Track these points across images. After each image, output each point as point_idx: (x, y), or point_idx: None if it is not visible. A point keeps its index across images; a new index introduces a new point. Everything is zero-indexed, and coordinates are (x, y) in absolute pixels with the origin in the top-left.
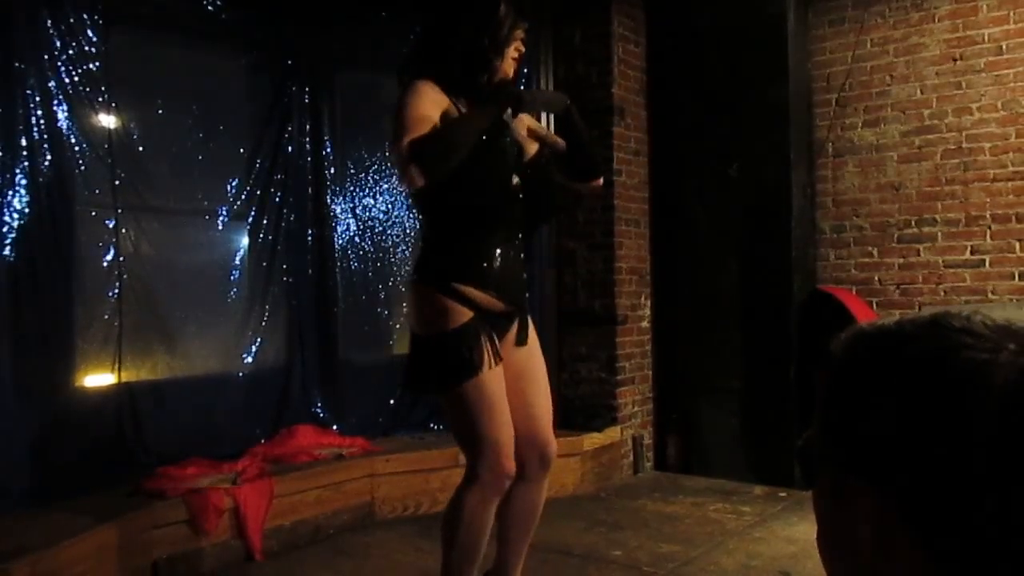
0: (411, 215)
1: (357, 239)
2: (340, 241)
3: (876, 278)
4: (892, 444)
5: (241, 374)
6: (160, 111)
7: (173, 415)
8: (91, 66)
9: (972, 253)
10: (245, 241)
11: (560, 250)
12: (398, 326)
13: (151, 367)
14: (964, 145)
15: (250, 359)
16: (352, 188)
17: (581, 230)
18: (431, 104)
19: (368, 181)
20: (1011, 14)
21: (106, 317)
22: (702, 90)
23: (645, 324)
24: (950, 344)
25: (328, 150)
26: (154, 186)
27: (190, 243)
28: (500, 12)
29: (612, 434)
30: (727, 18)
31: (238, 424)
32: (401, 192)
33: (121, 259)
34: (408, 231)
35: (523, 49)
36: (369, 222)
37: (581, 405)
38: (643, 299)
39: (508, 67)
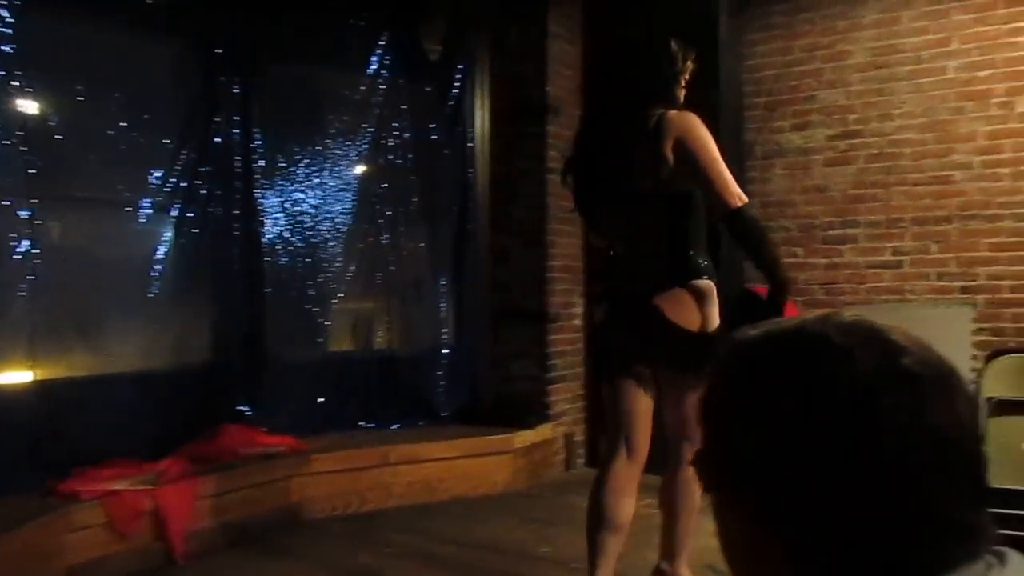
0: (341, 211)
1: (286, 234)
2: (269, 236)
3: (801, 278)
4: (756, 449)
5: (164, 372)
6: (80, 97)
7: (91, 414)
8: (4, 48)
9: (893, 254)
10: (169, 234)
11: (494, 247)
12: (328, 323)
13: (68, 364)
14: (886, 150)
15: (173, 356)
16: (282, 182)
17: (515, 228)
18: None
19: (299, 175)
20: (929, 25)
21: (19, 312)
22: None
23: (578, 322)
24: (808, 350)
25: (258, 143)
26: (72, 176)
27: (110, 235)
28: (673, 48)
29: (544, 431)
30: (661, 21)
31: (160, 424)
32: (333, 187)
33: (36, 251)
34: (338, 226)
35: (688, 76)
36: (299, 217)
37: (514, 402)
38: (576, 297)
39: (682, 94)
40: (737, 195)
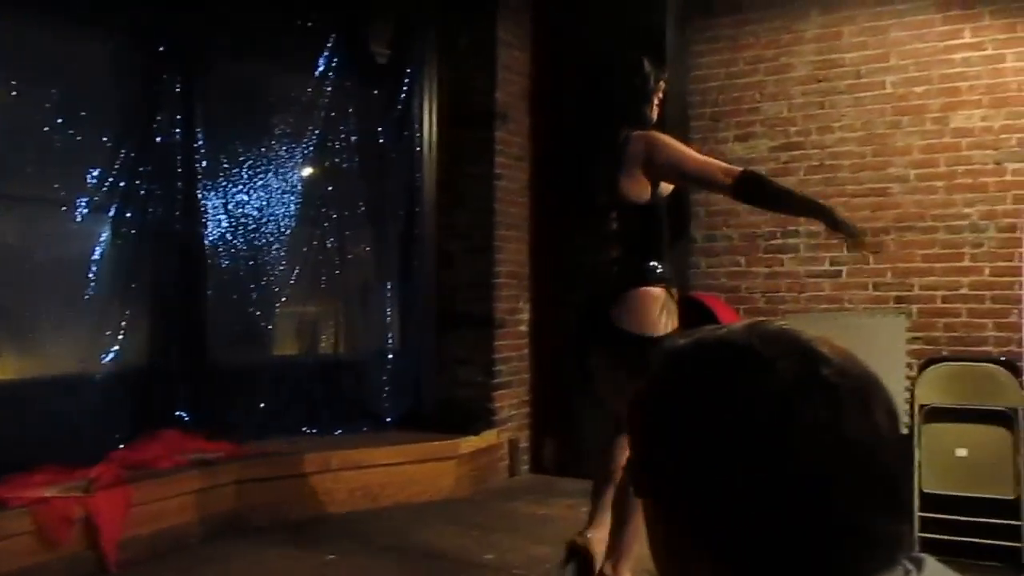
0: (285, 213)
1: (229, 236)
2: (211, 237)
3: (743, 286)
4: (680, 456)
5: (98, 375)
6: (14, 92)
7: (22, 419)
8: None
9: (831, 264)
10: (106, 235)
11: (441, 252)
12: (271, 327)
13: None
14: (826, 162)
15: (108, 359)
16: (225, 183)
17: (461, 232)
18: None
19: (242, 176)
20: (869, 40)
21: None
22: (583, 98)
23: (523, 328)
24: (731, 359)
25: (200, 142)
26: (5, 173)
27: (45, 235)
28: (646, 68)
29: (489, 437)
30: (609, 30)
31: (94, 429)
32: (277, 189)
33: None
34: (283, 229)
35: (661, 95)
36: (242, 219)
37: (459, 408)
38: (522, 303)
39: (654, 113)
40: (724, 172)
